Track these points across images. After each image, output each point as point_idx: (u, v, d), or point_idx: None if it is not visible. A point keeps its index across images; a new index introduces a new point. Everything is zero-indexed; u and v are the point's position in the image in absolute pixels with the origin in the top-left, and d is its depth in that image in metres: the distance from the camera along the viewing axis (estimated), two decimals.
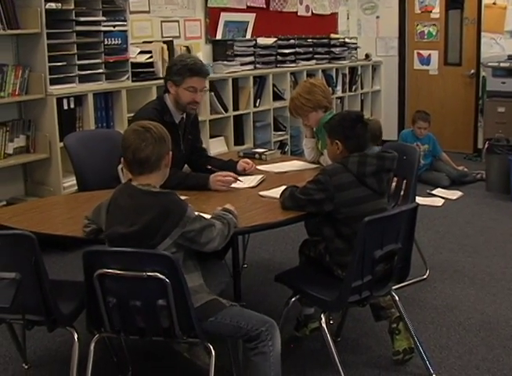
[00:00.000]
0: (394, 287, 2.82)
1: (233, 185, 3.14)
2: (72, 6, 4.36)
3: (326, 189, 2.62)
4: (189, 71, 3.20)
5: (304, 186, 2.71)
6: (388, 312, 2.94)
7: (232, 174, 3.18)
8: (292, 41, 6.43)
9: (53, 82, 4.33)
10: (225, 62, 5.71)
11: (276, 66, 6.22)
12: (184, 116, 3.37)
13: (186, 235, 2.26)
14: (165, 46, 5.11)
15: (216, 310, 2.32)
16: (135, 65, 4.86)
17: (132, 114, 3.68)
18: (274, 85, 6.17)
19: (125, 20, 4.73)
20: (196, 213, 2.33)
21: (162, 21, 5.52)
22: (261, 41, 6.09)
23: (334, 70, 6.93)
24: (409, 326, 2.82)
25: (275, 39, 6.21)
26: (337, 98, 6.85)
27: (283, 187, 2.86)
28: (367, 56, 7.62)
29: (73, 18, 4.38)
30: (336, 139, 2.76)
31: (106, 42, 4.61)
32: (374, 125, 4.99)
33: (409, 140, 6.10)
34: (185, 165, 3.48)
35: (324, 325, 2.61)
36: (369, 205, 2.66)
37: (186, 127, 3.39)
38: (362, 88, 7.48)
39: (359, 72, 7.37)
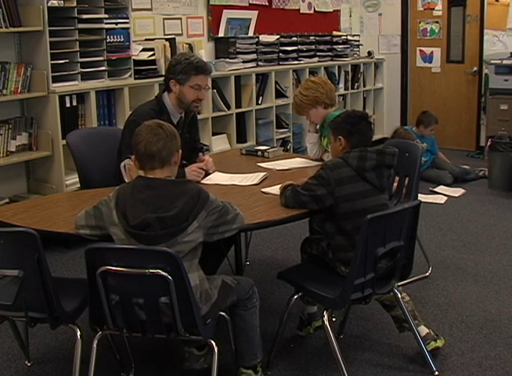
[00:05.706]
0: (397, 285, 2.83)
1: (235, 182, 3.16)
2: (74, 4, 4.36)
3: (327, 184, 2.63)
4: (195, 69, 3.21)
5: (305, 182, 2.71)
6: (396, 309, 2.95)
7: (202, 165, 3.26)
8: (294, 39, 6.43)
9: (55, 80, 4.32)
10: (228, 59, 5.71)
11: (279, 64, 6.21)
12: (183, 115, 3.36)
13: (211, 216, 2.31)
14: (167, 44, 5.11)
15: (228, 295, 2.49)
16: (137, 62, 4.86)
17: None
18: (276, 83, 6.17)
19: (127, 18, 4.73)
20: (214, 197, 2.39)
21: (164, 19, 5.52)
22: (264, 38, 6.09)
23: (337, 67, 6.92)
24: (412, 323, 2.82)
25: (277, 36, 6.21)
26: (339, 95, 6.82)
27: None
28: (369, 54, 7.61)
29: (76, 15, 4.38)
30: (339, 135, 2.77)
31: (108, 40, 4.61)
32: (408, 135, 5.48)
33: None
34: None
35: (326, 322, 2.62)
36: (370, 200, 2.66)
37: (184, 126, 3.38)
38: (364, 86, 7.46)
39: (362, 69, 7.35)
